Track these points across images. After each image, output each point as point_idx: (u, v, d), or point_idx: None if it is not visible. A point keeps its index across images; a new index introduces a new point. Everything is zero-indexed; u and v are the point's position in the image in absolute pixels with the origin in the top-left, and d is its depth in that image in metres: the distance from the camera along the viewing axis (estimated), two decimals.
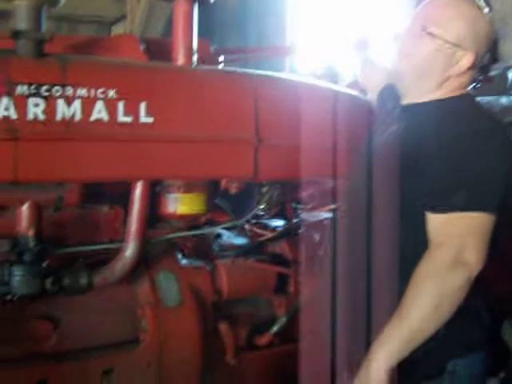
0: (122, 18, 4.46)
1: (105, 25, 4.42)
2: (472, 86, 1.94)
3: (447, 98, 1.88)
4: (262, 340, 2.51)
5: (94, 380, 2.22)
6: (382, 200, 1.77)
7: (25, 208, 2.13)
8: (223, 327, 2.43)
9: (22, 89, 1.99)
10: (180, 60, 2.35)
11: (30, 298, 2.12)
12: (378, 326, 1.71)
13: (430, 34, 1.84)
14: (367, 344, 1.71)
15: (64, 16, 4.00)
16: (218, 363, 2.42)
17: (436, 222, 1.71)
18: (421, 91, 1.91)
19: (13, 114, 1.98)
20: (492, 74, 2.02)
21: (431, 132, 1.76)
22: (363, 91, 2.83)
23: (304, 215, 2.84)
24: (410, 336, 1.67)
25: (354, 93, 2.77)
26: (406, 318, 1.66)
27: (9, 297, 2.11)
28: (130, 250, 2.27)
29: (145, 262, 2.36)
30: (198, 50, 2.39)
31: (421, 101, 1.91)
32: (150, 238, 2.38)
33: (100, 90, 2.10)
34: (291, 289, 2.62)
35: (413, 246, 1.73)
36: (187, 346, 2.32)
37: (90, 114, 2.09)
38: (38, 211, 2.15)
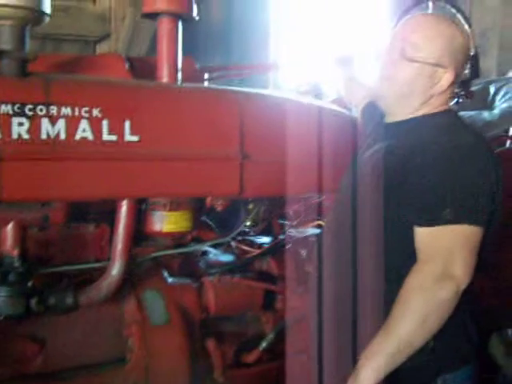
0: (106, 36, 4.46)
1: (89, 43, 4.42)
2: (454, 101, 1.97)
3: (430, 114, 1.90)
4: (250, 357, 2.49)
5: None
6: (367, 215, 1.78)
7: (9, 228, 2.11)
8: (211, 345, 2.41)
9: (5, 108, 1.98)
10: (165, 78, 2.35)
11: (15, 318, 2.10)
12: (364, 342, 1.71)
13: (410, 59, 1.86)
14: (354, 360, 1.71)
15: (48, 35, 4.00)
16: (205, 381, 2.40)
17: (424, 235, 1.72)
18: (404, 111, 1.93)
19: None
20: (473, 88, 2.04)
21: (416, 148, 1.78)
22: (347, 107, 2.85)
23: (290, 231, 2.84)
24: (397, 349, 1.67)
25: (339, 109, 2.79)
26: (394, 332, 1.67)
27: None
28: (115, 268, 2.27)
29: (131, 281, 2.35)
30: (183, 68, 2.40)
31: (404, 119, 1.93)
32: (136, 256, 2.38)
33: (84, 109, 2.10)
34: (278, 305, 2.61)
35: (401, 260, 1.74)
36: (174, 365, 2.30)
37: (74, 133, 2.09)
38: (22, 231, 2.14)
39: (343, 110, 2.81)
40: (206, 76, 2.86)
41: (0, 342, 2.15)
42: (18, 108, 2.01)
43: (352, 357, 1.72)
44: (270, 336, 2.53)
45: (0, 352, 2.14)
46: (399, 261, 1.75)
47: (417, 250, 1.73)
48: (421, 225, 1.73)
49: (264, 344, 2.52)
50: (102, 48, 4.27)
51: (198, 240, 2.58)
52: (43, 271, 2.21)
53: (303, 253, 2.68)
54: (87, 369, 2.24)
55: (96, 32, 4.45)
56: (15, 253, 2.12)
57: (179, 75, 2.37)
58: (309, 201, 2.79)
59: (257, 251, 2.69)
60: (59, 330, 2.24)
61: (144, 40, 4.17)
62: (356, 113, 2.69)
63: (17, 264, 2.11)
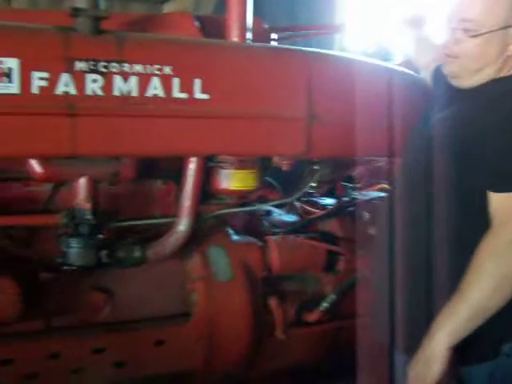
0: None
1: (156, 4, 4.44)
2: None
3: (505, 77, 1.84)
4: (311, 316, 2.53)
5: (146, 350, 2.28)
6: (439, 178, 1.75)
7: (82, 182, 2.18)
8: (273, 303, 2.45)
9: (80, 65, 2.03)
10: (234, 37, 2.36)
11: (85, 269, 2.18)
12: (439, 306, 1.70)
13: (475, 36, 1.78)
14: (428, 324, 1.71)
15: None
16: (267, 338, 2.46)
17: (498, 201, 1.69)
18: (477, 79, 1.87)
19: (71, 90, 2.02)
20: None
21: (490, 111, 1.73)
22: (416, 70, 2.80)
23: (354, 193, 2.84)
24: (471, 315, 1.65)
25: (407, 71, 2.75)
26: (469, 296, 1.65)
27: (66, 268, 2.17)
28: (182, 224, 2.32)
29: (197, 237, 2.40)
30: (252, 28, 2.40)
31: (476, 84, 1.88)
32: (202, 213, 2.42)
33: (156, 67, 2.13)
34: (340, 266, 2.63)
35: (473, 226, 1.71)
36: (237, 321, 2.36)
37: (145, 90, 2.12)
38: (94, 185, 2.20)
39: (412, 72, 2.76)
40: (274, 36, 2.86)
41: (70, 292, 2.25)
42: (92, 65, 2.05)
43: (426, 321, 1.72)
44: (331, 296, 2.56)
45: (70, 301, 2.24)
46: (471, 227, 1.73)
47: (491, 216, 1.70)
48: (496, 190, 1.70)
49: (325, 304, 2.54)
50: (168, 8, 4.28)
51: (262, 199, 2.61)
52: (113, 225, 2.27)
53: (366, 215, 2.68)
54: (152, 321, 2.32)
55: None
56: (87, 206, 2.18)
57: (249, 35, 2.37)
58: (373, 163, 2.78)
59: (320, 212, 2.71)
60: (126, 283, 2.32)
61: (210, 0, 4.17)
62: (425, 75, 2.64)
63: (88, 217, 2.18)
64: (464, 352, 1.71)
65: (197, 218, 2.35)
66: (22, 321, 2.10)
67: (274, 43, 2.86)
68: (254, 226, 2.61)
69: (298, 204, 2.70)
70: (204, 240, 2.44)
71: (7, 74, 1.97)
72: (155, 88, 2.14)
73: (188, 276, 2.39)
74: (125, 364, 2.25)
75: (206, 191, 2.44)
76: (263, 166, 2.48)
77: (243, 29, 2.35)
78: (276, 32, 2.89)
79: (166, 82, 2.14)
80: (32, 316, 2.14)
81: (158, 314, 2.34)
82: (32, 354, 2.14)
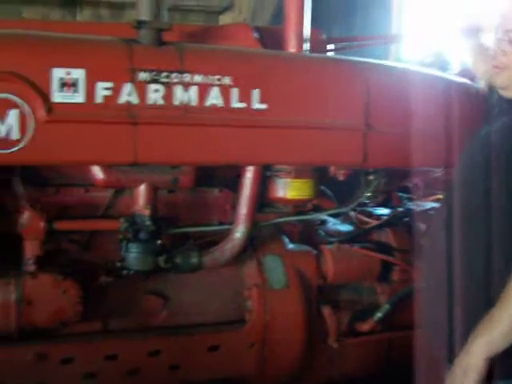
0: (229, 7, 4.54)
1: (213, 14, 4.51)
2: None
3: None
4: (365, 326, 2.52)
5: (200, 355, 2.32)
6: (495, 189, 1.74)
7: (142, 189, 2.23)
8: (326, 311, 2.46)
9: (143, 75, 2.09)
10: (292, 48, 2.40)
11: (143, 273, 2.24)
12: None
13: None
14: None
15: (176, 6, 4.12)
16: (320, 347, 2.47)
17: None
18: None
19: (134, 99, 2.09)
20: None
21: None
22: (473, 79, 2.78)
23: (409, 204, 2.82)
24: (510, 328, 1.65)
25: (465, 81, 2.73)
26: (507, 310, 1.64)
27: (124, 272, 2.23)
28: (239, 232, 2.36)
29: (252, 245, 2.43)
30: (309, 39, 2.43)
31: None
32: (259, 221, 2.45)
33: (216, 77, 2.18)
34: (395, 277, 2.63)
35: None
36: (291, 329, 2.38)
37: (205, 100, 2.17)
38: (154, 192, 2.25)
39: (469, 82, 2.75)
40: (330, 47, 2.88)
41: (128, 296, 2.31)
42: (154, 75, 2.11)
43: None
44: (386, 307, 2.55)
45: (128, 304, 2.30)
46: None
47: None
48: None
49: (379, 314, 2.54)
50: (224, 19, 4.35)
51: (317, 208, 2.63)
52: (171, 231, 2.33)
53: (422, 226, 2.67)
54: (206, 326, 2.36)
55: (219, 2, 4.53)
56: (146, 212, 2.24)
57: (306, 46, 2.41)
58: (429, 174, 2.76)
59: (375, 222, 2.71)
60: (183, 288, 2.37)
61: (267, 10, 4.21)
62: (483, 84, 2.62)
63: (148, 223, 2.23)
64: (504, 364, 1.69)
65: (253, 225, 2.39)
66: (82, 322, 2.17)
67: (331, 54, 2.88)
68: (310, 235, 2.63)
69: (353, 214, 2.72)
70: (260, 248, 2.47)
71: (74, 84, 2.05)
72: (214, 98, 2.19)
73: (243, 283, 2.42)
74: (179, 368, 2.29)
75: (263, 200, 2.47)
76: (319, 175, 2.51)
77: (300, 39, 2.39)
78: (333, 42, 2.91)
79: (226, 92, 2.19)
80: (91, 317, 2.21)
81: (212, 319, 2.38)
82: (90, 354, 2.20)
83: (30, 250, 2.14)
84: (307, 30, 2.40)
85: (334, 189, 2.73)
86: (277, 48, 2.46)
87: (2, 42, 2.03)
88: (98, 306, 2.25)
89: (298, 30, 2.40)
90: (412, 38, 3.72)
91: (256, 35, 2.56)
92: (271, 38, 2.54)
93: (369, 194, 2.62)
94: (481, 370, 1.64)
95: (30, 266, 2.13)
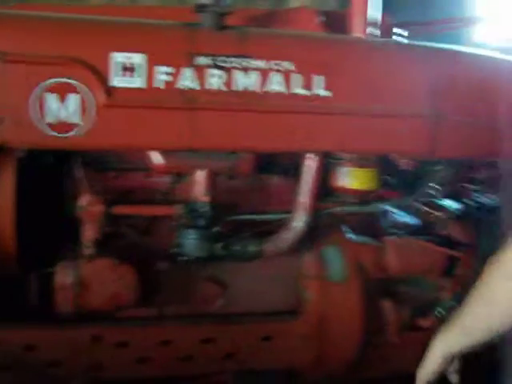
0: None
1: None
2: None
3: None
4: (426, 322, 2.44)
5: (253, 344, 2.29)
6: None
7: (200, 175, 2.22)
8: (387, 305, 2.38)
9: (202, 60, 2.06)
10: (357, 32, 2.32)
11: (200, 260, 2.22)
12: None
13: None
14: None
15: None
16: (378, 341, 2.40)
17: None
18: None
19: (193, 85, 2.06)
20: None
21: None
22: None
23: (477, 197, 2.70)
24: (470, 326, 1.58)
25: None
26: (470, 307, 1.58)
27: (181, 258, 2.22)
28: (298, 221, 2.31)
29: (312, 235, 2.37)
30: (380, 23, 2.34)
31: None
32: (319, 210, 2.39)
33: (277, 62, 2.12)
34: (460, 272, 2.51)
35: None
36: (348, 322, 2.32)
37: (265, 86, 2.12)
38: (212, 178, 2.23)
39: None
40: (399, 32, 2.77)
41: (185, 282, 2.30)
42: (214, 60, 2.08)
43: None
44: (449, 302, 2.46)
45: (184, 291, 2.30)
46: None
47: None
48: None
49: (441, 310, 2.45)
50: (293, 2, 4.26)
51: (380, 199, 2.55)
52: (229, 218, 2.30)
53: (491, 220, 2.55)
54: (262, 316, 2.33)
55: None
56: (204, 199, 2.22)
57: (372, 29, 2.32)
58: (498, 166, 2.63)
59: (441, 215, 2.61)
60: (240, 276, 2.34)
61: None
62: None
63: (205, 210, 2.22)
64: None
65: (313, 214, 2.33)
66: (138, 307, 2.18)
67: (401, 39, 2.77)
68: (372, 226, 2.54)
69: (417, 205, 2.62)
70: (319, 238, 2.40)
71: (134, 69, 2.04)
72: (276, 84, 2.13)
73: (301, 273, 2.38)
74: (232, 356, 2.27)
75: (325, 188, 2.40)
76: (383, 164, 2.42)
77: (366, 23, 2.30)
78: (402, 27, 2.80)
79: (287, 77, 2.13)
80: (147, 303, 2.21)
81: (268, 309, 2.34)
82: (144, 339, 2.21)
83: (88, 233, 2.16)
84: (373, 14, 2.31)
85: (401, 178, 2.64)
86: (342, 33, 2.38)
87: (62, 26, 2.03)
88: (155, 292, 2.25)
89: (363, 13, 2.31)
90: (487, 22, 3.55)
91: (320, 19, 2.49)
92: (337, 22, 2.47)
93: (435, 185, 2.53)
94: (435, 366, 1.64)
95: (88, 250, 2.15)
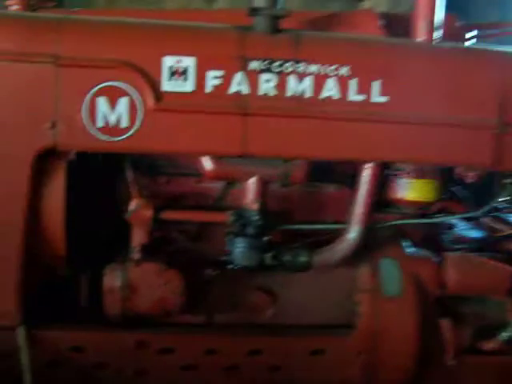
0: None
1: (354, 0, 4.32)
2: None
3: None
4: (489, 345, 2.29)
5: (303, 358, 2.22)
6: None
7: (251, 182, 2.17)
8: (445, 325, 2.25)
9: (254, 64, 2.02)
10: (421, 36, 2.20)
11: (249, 269, 2.17)
12: None
13: None
14: None
15: None
16: (435, 362, 2.27)
17: None
18: None
19: (244, 89, 2.02)
20: None
21: None
22: None
23: None
24: None
25: None
26: None
27: (230, 266, 2.19)
28: (353, 232, 2.22)
29: (367, 247, 2.27)
30: (444, 26, 2.22)
31: None
32: (376, 222, 2.29)
33: (333, 67, 2.05)
34: None
35: None
36: (403, 340, 2.20)
37: (320, 91, 2.06)
38: (263, 186, 2.18)
39: None
40: (470, 35, 2.63)
41: (233, 291, 2.26)
42: (267, 64, 2.03)
43: None
44: None
45: (232, 299, 2.26)
46: None
47: None
48: None
49: (507, 333, 2.29)
50: (366, 5, 4.15)
51: (444, 212, 2.41)
52: (280, 227, 2.24)
53: None
54: (312, 329, 2.26)
55: None
56: (255, 207, 2.17)
57: (438, 33, 2.20)
58: None
59: (509, 230, 2.45)
60: (290, 287, 2.28)
61: None
62: None
63: (255, 218, 2.16)
64: None
65: (369, 226, 2.23)
66: (185, 313, 2.16)
67: (468, 42, 2.63)
68: (433, 240, 2.42)
69: (484, 220, 2.47)
70: (375, 250, 2.30)
71: (184, 72, 2.03)
72: (331, 89, 2.06)
73: (355, 286, 2.28)
74: (279, 369, 2.21)
75: (382, 199, 2.31)
76: (445, 176, 2.30)
77: (431, 27, 2.18)
78: (470, 29, 2.65)
79: (343, 83, 2.06)
80: (194, 310, 2.19)
81: (319, 321, 2.27)
82: (190, 346, 2.18)
83: (137, 237, 2.16)
84: (440, 17, 2.19)
85: (468, 191, 2.50)
86: (405, 36, 2.27)
87: (114, 31, 2.05)
88: (202, 299, 2.22)
89: (428, 16, 2.18)
90: None
91: (381, 22, 2.40)
92: (402, 25, 2.36)
93: (504, 199, 2.38)
94: None
95: (136, 254, 2.14)
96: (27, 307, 2.08)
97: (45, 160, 2.02)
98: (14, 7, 2.42)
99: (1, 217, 2.02)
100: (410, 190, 2.26)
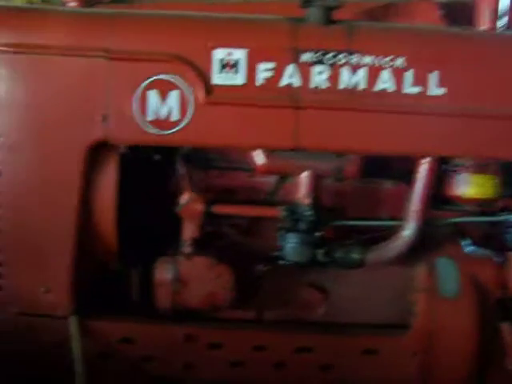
0: None
1: None
2: None
3: None
4: None
5: (354, 358, 2.17)
6: None
7: (303, 176, 2.13)
8: (505, 328, 2.15)
9: (306, 56, 1.98)
10: (484, 25, 2.11)
11: (300, 265, 2.13)
12: None
13: None
14: None
15: None
16: (495, 366, 2.17)
17: None
18: None
19: (296, 82, 1.99)
20: None
21: None
22: None
23: None
24: None
25: None
26: None
27: (281, 262, 2.15)
28: (408, 229, 2.15)
29: (424, 245, 2.19)
30: (508, 14, 2.12)
31: None
32: (433, 219, 2.20)
33: (388, 59, 1.99)
34: None
35: None
36: (460, 342, 2.12)
37: (374, 84, 2.00)
38: (316, 181, 2.13)
39: None
40: None
41: (285, 287, 2.23)
42: (319, 56, 1.98)
43: None
44: None
45: (283, 296, 2.23)
46: None
47: None
48: None
49: None
50: None
51: (506, 210, 2.30)
52: (333, 223, 2.18)
53: None
54: (365, 328, 2.21)
55: None
56: (307, 202, 2.13)
57: (502, 21, 2.10)
58: None
59: None
60: (342, 284, 2.23)
61: None
62: None
63: (308, 213, 2.12)
64: None
65: (426, 223, 2.16)
66: (234, 308, 2.14)
67: None
68: (494, 239, 2.31)
69: None
70: (432, 249, 2.22)
71: (235, 66, 2.01)
72: (385, 81, 2.00)
73: (410, 286, 2.21)
74: (330, 368, 2.16)
75: (440, 196, 2.22)
76: (507, 172, 2.19)
77: (495, 15, 2.09)
78: None
79: (398, 75, 1.99)
80: (244, 305, 2.17)
81: (372, 321, 2.21)
82: (239, 342, 2.17)
83: (188, 231, 2.15)
84: (504, 4, 2.09)
85: None
86: (470, 26, 2.18)
87: (165, 24, 2.04)
88: (253, 294, 2.20)
89: (492, 3, 2.08)
90: None
91: (441, 12, 2.30)
92: (461, 14, 2.26)
93: None
94: None
95: (187, 248, 2.14)
96: (79, 299, 2.11)
97: (97, 153, 2.04)
98: (72, 4, 2.46)
99: (54, 210, 2.06)
100: (469, 186, 2.16)
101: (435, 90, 2.00)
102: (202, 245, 2.16)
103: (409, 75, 1.99)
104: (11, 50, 2.00)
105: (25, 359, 2.12)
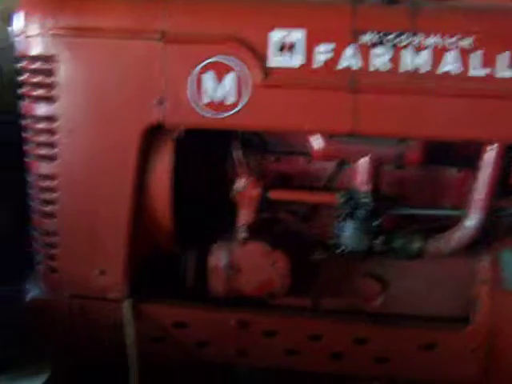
0: None
1: None
2: None
3: None
4: None
5: (411, 351, 2.09)
6: None
7: (362, 162, 2.06)
8: None
9: (367, 37, 1.91)
10: None
11: (357, 254, 2.08)
12: None
13: None
14: None
15: None
16: None
17: None
18: None
19: (356, 64, 1.92)
20: None
21: None
22: None
23: None
24: None
25: None
26: None
27: (339, 250, 2.10)
28: (472, 220, 2.06)
29: (488, 236, 2.10)
30: None
31: None
32: (499, 209, 2.11)
33: (453, 39, 1.89)
34: None
35: None
36: None
37: (438, 66, 1.91)
38: (376, 167, 2.06)
39: None
40: None
41: (342, 275, 2.19)
42: (380, 37, 1.91)
43: None
44: None
45: (340, 284, 2.18)
46: None
47: None
48: None
49: None
50: None
51: None
52: (393, 211, 2.12)
53: None
54: (423, 321, 2.13)
55: None
56: (366, 189, 2.06)
57: None
58: None
59: None
60: (401, 275, 2.17)
61: None
62: None
63: (366, 200, 2.06)
64: None
65: (491, 214, 2.06)
66: (289, 296, 2.11)
67: None
68: None
69: None
70: (497, 240, 2.12)
71: (292, 47, 1.95)
72: (450, 63, 1.90)
73: (472, 278, 2.12)
74: (386, 361, 2.10)
75: (507, 185, 2.12)
76: None
77: None
78: None
79: (464, 56, 1.89)
80: (299, 293, 2.13)
81: (431, 314, 2.13)
82: (294, 330, 2.13)
83: (243, 216, 2.12)
84: None
85: None
86: None
87: (221, 5, 1.99)
88: (308, 282, 2.16)
89: None
90: None
91: None
92: None
93: None
94: None
95: (242, 233, 2.11)
96: (134, 282, 2.12)
97: (153, 136, 2.03)
98: None
99: (109, 193, 2.07)
100: None
101: (504, 71, 1.89)
102: (257, 231, 2.13)
103: (476, 57, 1.89)
104: (69, 33, 2.00)
105: (78, 342, 2.15)
